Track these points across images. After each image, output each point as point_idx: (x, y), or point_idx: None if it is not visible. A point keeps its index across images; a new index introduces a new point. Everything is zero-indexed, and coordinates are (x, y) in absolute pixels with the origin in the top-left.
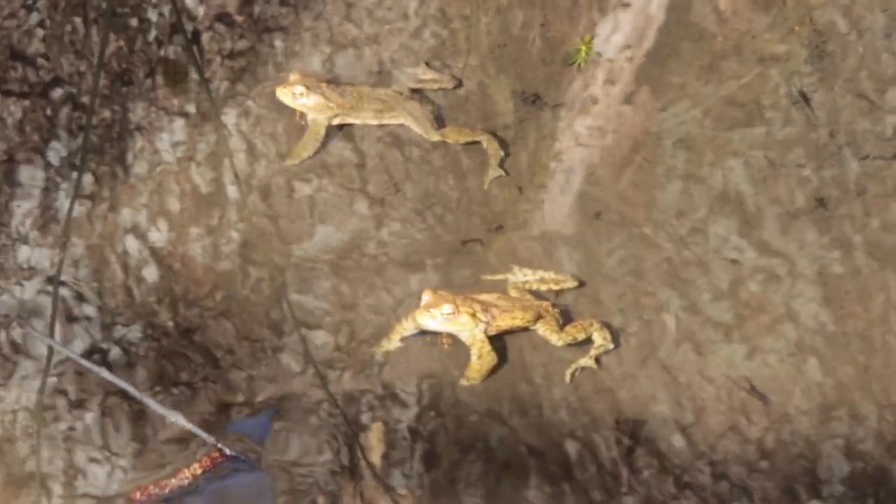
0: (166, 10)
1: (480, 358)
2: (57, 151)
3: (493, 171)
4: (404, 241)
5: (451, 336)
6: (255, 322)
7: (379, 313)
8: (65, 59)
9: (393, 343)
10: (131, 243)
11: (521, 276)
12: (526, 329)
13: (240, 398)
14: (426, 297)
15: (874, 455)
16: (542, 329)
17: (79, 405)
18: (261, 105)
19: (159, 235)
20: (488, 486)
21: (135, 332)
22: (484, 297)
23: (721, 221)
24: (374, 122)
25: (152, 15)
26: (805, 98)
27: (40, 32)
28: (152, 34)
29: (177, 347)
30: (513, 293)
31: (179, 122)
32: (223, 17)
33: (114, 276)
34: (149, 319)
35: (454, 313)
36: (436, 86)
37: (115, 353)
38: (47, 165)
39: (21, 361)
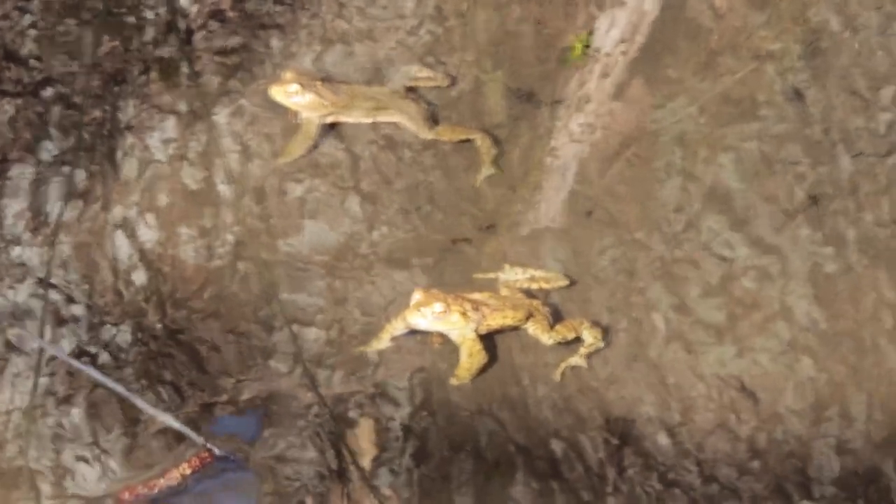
0: (162, 9)
1: (471, 357)
2: (49, 151)
3: (486, 170)
4: (395, 241)
5: (441, 335)
6: (245, 321)
7: (369, 312)
8: (57, 59)
9: (383, 342)
10: (122, 243)
11: (512, 275)
12: (517, 328)
13: (228, 397)
14: (417, 295)
15: (865, 454)
16: (532, 328)
17: (68, 404)
18: (254, 103)
19: (150, 235)
20: (478, 484)
21: (124, 333)
22: (475, 295)
23: (714, 218)
24: (368, 120)
25: (148, 14)
26: (799, 95)
27: (33, 33)
28: (148, 34)
29: (165, 347)
30: (504, 292)
31: (171, 121)
32: (216, 14)
33: (104, 278)
34: (138, 320)
35: (445, 312)
36: (430, 83)
37: (104, 354)
38: (39, 164)
39: (12, 361)
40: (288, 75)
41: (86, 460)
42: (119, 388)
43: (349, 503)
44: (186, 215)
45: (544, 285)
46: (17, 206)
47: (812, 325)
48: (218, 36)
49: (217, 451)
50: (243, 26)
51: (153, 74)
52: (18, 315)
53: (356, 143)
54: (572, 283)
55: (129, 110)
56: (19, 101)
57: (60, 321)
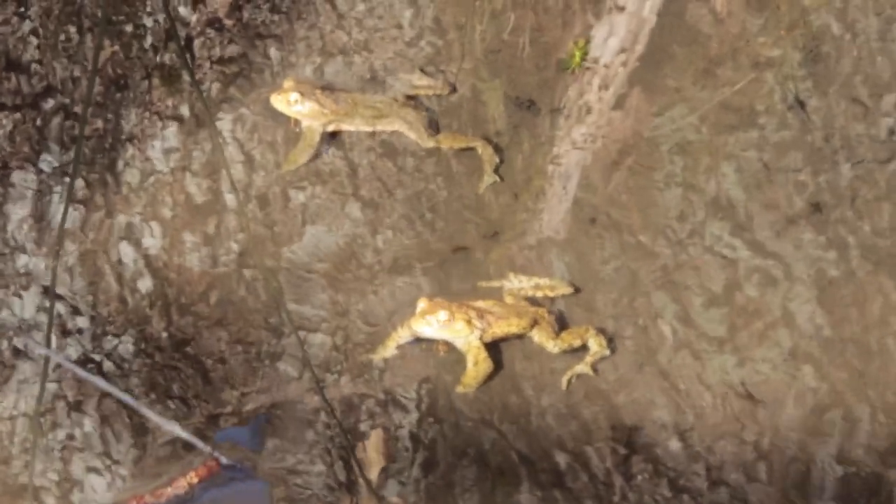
0: (161, 16)
1: (476, 365)
2: (49, 162)
3: (488, 178)
4: (399, 249)
5: (446, 343)
6: (252, 328)
7: (373, 321)
8: (58, 63)
9: (389, 350)
10: (127, 252)
11: (517, 283)
12: (522, 336)
13: (234, 407)
14: (422, 304)
15: (868, 461)
16: (537, 336)
17: (76, 414)
18: (255, 112)
19: (154, 243)
20: (483, 492)
21: (129, 343)
22: (479, 303)
23: (716, 225)
24: (369, 128)
25: (147, 21)
26: (800, 103)
27: (34, 41)
28: (148, 41)
29: (171, 357)
30: (508, 300)
31: (174, 129)
32: (213, 23)
33: (108, 288)
34: (143, 329)
35: (450, 320)
36: (430, 92)
37: (108, 363)
38: (40, 174)
39: (19, 370)
40: (288, 84)
41: (94, 470)
42: (126, 398)
43: None
44: (190, 224)
45: (549, 293)
46: (21, 214)
47: (816, 332)
48: (216, 44)
49: (224, 461)
50: (241, 35)
51: (155, 81)
52: (25, 324)
53: (358, 152)
54: (577, 290)
55: (131, 118)
56: (17, 114)
57: (66, 331)
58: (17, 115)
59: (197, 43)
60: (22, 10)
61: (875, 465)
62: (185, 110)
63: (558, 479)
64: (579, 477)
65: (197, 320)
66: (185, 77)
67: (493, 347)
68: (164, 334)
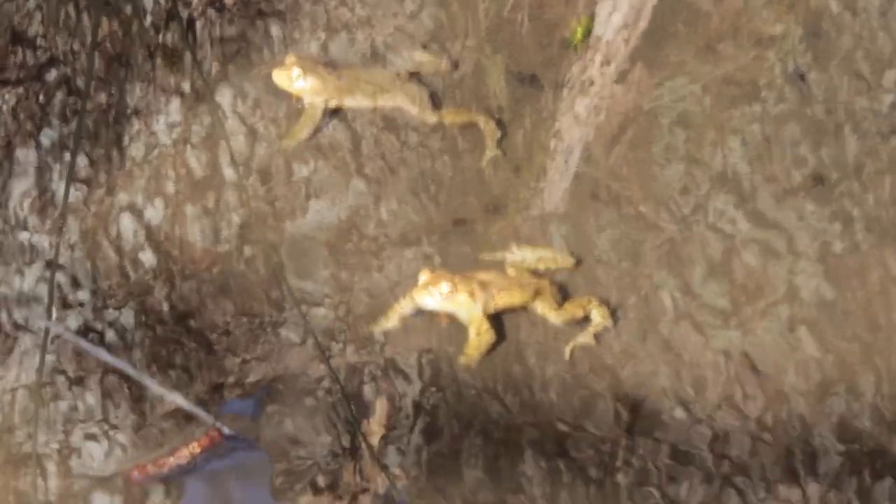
0: None
1: (479, 336)
2: (51, 137)
3: (491, 152)
4: (401, 222)
5: (449, 315)
6: (255, 301)
7: (375, 293)
8: (60, 38)
9: (391, 322)
10: (128, 226)
11: (520, 255)
12: (524, 307)
13: (237, 376)
14: (424, 276)
15: (872, 432)
16: (540, 307)
17: (79, 383)
18: (257, 88)
19: (156, 216)
20: (487, 461)
21: (130, 315)
22: (482, 275)
23: (720, 198)
24: (371, 104)
25: (147, 2)
26: (802, 77)
27: (38, 15)
28: (148, 20)
29: (173, 329)
30: (511, 272)
31: (177, 104)
32: (215, 2)
33: (109, 260)
34: (144, 301)
35: (452, 292)
36: (432, 68)
37: (111, 334)
38: (41, 149)
39: (20, 341)
40: (290, 60)
41: (95, 439)
42: (128, 368)
43: (362, 479)
44: (192, 197)
45: (551, 265)
46: (24, 188)
47: (820, 302)
48: (218, 23)
49: (226, 431)
50: (242, 15)
51: (158, 61)
52: (24, 297)
53: (360, 126)
54: (579, 263)
55: (135, 93)
56: (20, 89)
57: (67, 304)
58: (21, 90)
59: (199, 24)
60: None
61: (879, 436)
62: (186, 87)
63: (562, 449)
64: (582, 446)
65: (199, 293)
66: (188, 57)
67: (496, 319)
68: (166, 306)
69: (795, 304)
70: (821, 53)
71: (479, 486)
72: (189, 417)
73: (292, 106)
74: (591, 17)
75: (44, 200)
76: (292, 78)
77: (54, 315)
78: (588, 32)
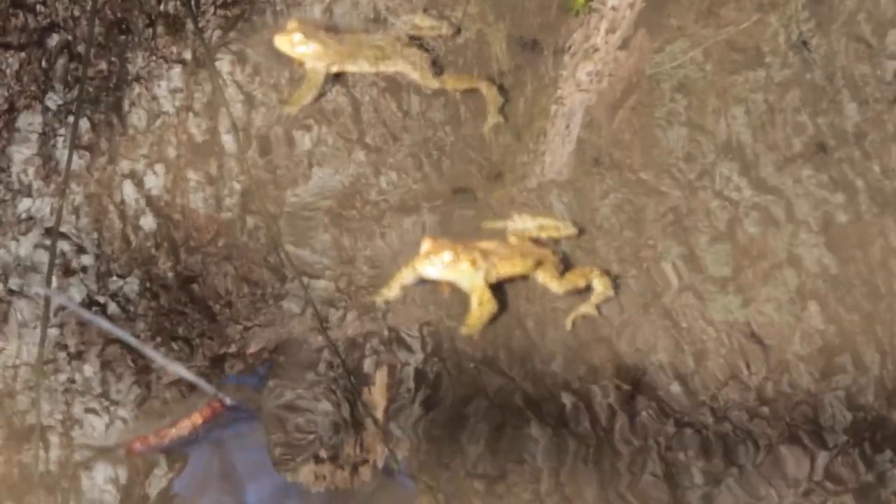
0: None
1: (481, 305)
2: (55, 101)
3: (493, 118)
4: (403, 189)
5: (451, 284)
6: (256, 267)
7: (377, 263)
8: (60, 4)
9: (393, 291)
10: (130, 193)
11: (521, 224)
12: (526, 277)
13: (239, 345)
14: (426, 245)
15: (875, 402)
16: (542, 276)
17: (79, 357)
18: (258, 53)
19: (158, 184)
20: (489, 430)
21: (133, 284)
22: (484, 244)
23: (725, 166)
24: (372, 69)
25: None
26: (806, 45)
27: None
28: None
29: (176, 297)
30: (513, 241)
31: (178, 70)
32: None
33: (113, 227)
34: (148, 269)
35: (454, 261)
36: (434, 33)
37: (113, 305)
38: (46, 114)
39: (21, 313)
40: (292, 25)
41: (95, 411)
42: (130, 339)
43: (362, 450)
44: (194, 164)
45: (553, 234)
46: (25, 155)
47: (823, 271)
48: None
49: (228, 401)
50: None
51: (159, 29)
52: (22, 264)
53: (361, 91)
54: (581, 231)
55: (137, 60)
56: (23, 53)
57: (70, 270)
58: (23, 55)
59: None
60: None
61: (882, 407)
62: (188, 54)
63: (563, 419)
64: (583, 416)
65: (202, 261)
66: (189, 25)
67: (498, 288)
68: (170, 274)
69: (799, 274)
70: (823, 18)
71: (480, 458)
72: (191, 388)
73: (294, 71)
74: None
75: (48, 168)
76: (294, 43)
77: (55, 284)
78: None
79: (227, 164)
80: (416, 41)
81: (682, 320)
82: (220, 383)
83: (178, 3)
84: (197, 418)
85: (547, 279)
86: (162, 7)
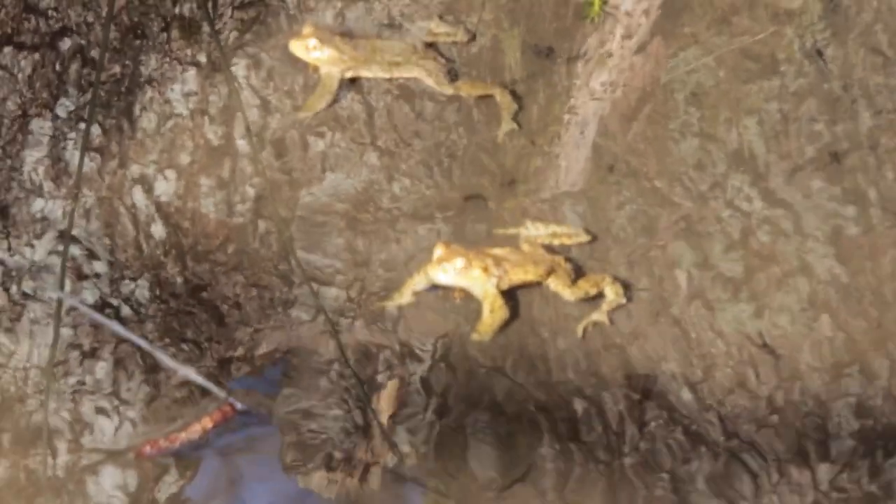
0: None
1: (493, 312)
2: (66, 107)
3: (507, 125)
4: (416, 195)
5: (463, 290)
6: (265, 274)
7: (390, 268)
8: (73, 11)
9: (405, 297)
10: (142, 197)
11: (534, 231)
12: (538, 284)
13: (248, 348)
14: (439, 251)
15: (885, 410)
16: (553, 284)
17: (90, 357)
18: (273, 58)
19: (170, 188)
20: (497, 437)
21: (144, 288)
22: (496, 251)
23: (736, 177)
24: (387, 75)
25: None
26: (820, 55)
27: None
28: None
29: (186, 300)
30: (525, 248)
31: (192, 73)
32: None
33: (125, 233)
34: (158, 274)
35: (467, 267)
36: (449, 39)
37: (126, 309)
38: (57, 119)
39: (33, 315)
40: (307, 30)
41: (107, 414)
42: (141, 342)
43: (373, 456)
44: (207, 169)
45: (566, 241)
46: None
47: (833, 280)
48: None
49: (239, 406)
50: None
51: (174, 32)
52: (35, 267)
53: (376, 97)
54: (593, 238)
55: (150, 63)
56: (36, 55)
57: (82, 275)
58: (37, 57)
59: None
60: None
61: (892, 415)
62: (202, 58)
63: (573, 426)
64: (594, 424)
65: (212, 267)
66: (205, 27)
67: (510, 295)
68: (180, 278)
69: (810, 283)
70: (839, 28)
71: (489, 465)
72: (201, 392)
73: (308, 76)
74: None
75: (58, 170)
76: (309, 48)
77: (68, 287)
78: (605, 2)
79: (241, 168)
80: (431, 47)
81: (692, 329)
82: (230, 388)
83: (194, 6)
84: (207, 422)
85: (559, 287)
86: (177, 10)
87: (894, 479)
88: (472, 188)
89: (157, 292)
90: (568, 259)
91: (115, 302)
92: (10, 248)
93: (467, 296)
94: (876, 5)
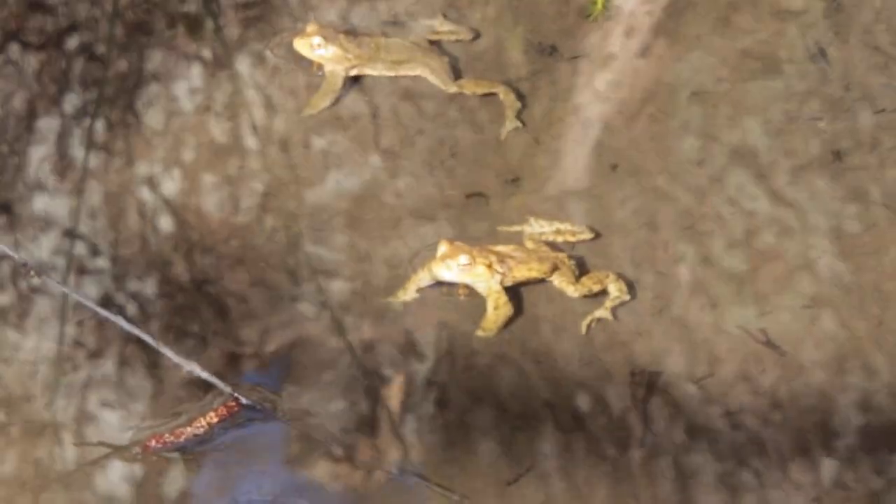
0: None
1: (497, 309)
2: (73, 104)
3: (510, 123)
4: (420, 192)
5: (467, 287)
6: (272, 270)
7: (394, 264)
8: (81, 7)
9: (409, 294)
10: (147, 193)
11: (538, 228)
12: (542, 280)
13: (255, 345)
14: (442, 247)
15: (888, 407)
16: (557, 280)
17: (96, 354)
18: (277, 56)
19: (176, 185)
20: (503, 434)
21: (149, 283)
22: (500, 248)
23: (738, 173)
24: (391, 73)
25: None
26: (823, 53)
27: None
28: None
29: (192, 296)
30: (529, 244)
31: (198, 70)
32: None
33: (130, 227)
34: (163, 270)
35: (471, 264)
36: (453, 37)
37: (130, 304)
38: (63, 116)
39: (40, 310)
40: (311, 28)
41: (112, 408)
42: (146, 337)
43: (377, 452)
44: (212, 165)
45: (570, 238)
46: (41, 153)
47: (836, 279)
48: None
49: (244, 401)
50: None
51: (181, 29)
52: (44, 265)
53: (380, 96)
54: (597, 235)
55: (156, 60)
56: (43, 54)
57: (87, 271)
58: (43, 54)
59: None
60: None
61: (894, 411)
62: (207, 55)
63: (578, 422)
64: (599, 420)
65: (218, 263)
66: (209, 25)
67: (514, 292)
68: (185, 274)
69: (813, 280)
70: (841, 28)
71: (494, 460)
72: (207, 386)
73: (312, 74)
74: None
75: (63, 165)
76: (313, 46)
77: (73, 282)
78: (607, 2)
79: (245, 166)
80: (435, 45)
81: (696, 325)
82: (235, 383)
83: (200, 2)
84: (212, 417)
85: (563, 283)
86: (184, 8)
87: None
88: (476, 186)
89: (163, 288)
90: (572, 256)
91: (120, 297)
92: (16, 244)
93: (471, 292)
94: (878, 5)
